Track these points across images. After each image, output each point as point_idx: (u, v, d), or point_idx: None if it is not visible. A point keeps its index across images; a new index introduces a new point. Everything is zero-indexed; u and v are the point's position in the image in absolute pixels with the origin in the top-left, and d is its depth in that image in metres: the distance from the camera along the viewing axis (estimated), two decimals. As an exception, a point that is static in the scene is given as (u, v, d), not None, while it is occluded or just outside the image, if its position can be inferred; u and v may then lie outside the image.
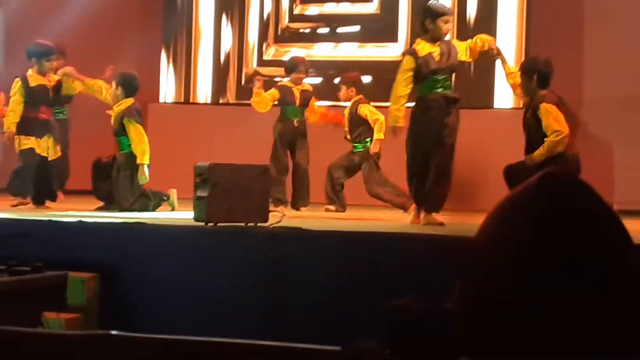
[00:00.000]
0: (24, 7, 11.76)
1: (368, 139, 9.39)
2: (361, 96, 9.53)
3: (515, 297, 1.18)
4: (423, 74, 7.52)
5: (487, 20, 10.96)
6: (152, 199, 8.64)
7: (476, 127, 9.70)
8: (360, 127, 9.41)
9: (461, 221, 7.59)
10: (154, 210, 8.60)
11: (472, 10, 11.15)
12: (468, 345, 1.25)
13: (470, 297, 1.22)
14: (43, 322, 4.79)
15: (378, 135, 9.26)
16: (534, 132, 7.55)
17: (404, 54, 7.81)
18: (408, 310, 1.20)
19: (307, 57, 10.43)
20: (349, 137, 9.50)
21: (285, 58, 10.92)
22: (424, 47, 7.57)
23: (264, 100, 9.43)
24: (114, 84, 8.77)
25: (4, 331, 1.56)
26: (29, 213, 8.02)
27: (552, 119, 7.42)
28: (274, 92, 9.53)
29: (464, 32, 10.31)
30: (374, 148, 9.29)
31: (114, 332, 1.35)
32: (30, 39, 10.78)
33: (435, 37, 7.60)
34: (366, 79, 11.00)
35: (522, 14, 10.78)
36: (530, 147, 7.58)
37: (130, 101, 8.72)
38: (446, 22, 7.62)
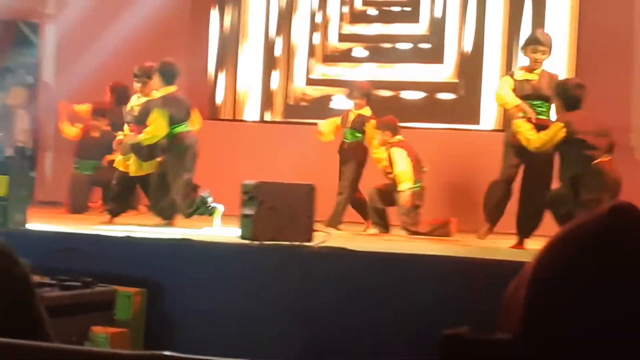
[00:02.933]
0: (76, 22, 11.90)
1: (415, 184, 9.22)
2: (398, 138, 9.37)
3: (580, 333, 1.17)
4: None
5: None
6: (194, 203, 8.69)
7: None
8: None
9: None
10: (193, 212, 8.65)
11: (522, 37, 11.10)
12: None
13: (533, 327, 1.21)
14: (90, 336, 4.84)
15: (400, 187, 9.13)
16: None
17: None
18: (463, 341, 1.20)
19: (353, 77, 10.41)
20: (391, 176, 9.33)
21: (334, 78, 10.95)
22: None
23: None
24: (153, 74, 8.79)
25: (55, 348, 1.57)
26: (78, 227, 8.09)
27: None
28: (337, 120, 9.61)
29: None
30: (404, 201, 9.18)
31: (166, 353, 1.36)
32: (81, 53, 10.94)
33: (530, 69, 8.08)
34: (411, 94, 11.01)
35: (573, 40, 10.71)
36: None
37: (170, 89, 8.75)
38: (535, 51, 8.03)
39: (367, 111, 9.55)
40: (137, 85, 9.05)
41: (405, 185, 9.06)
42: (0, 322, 1.95)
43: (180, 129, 8.74)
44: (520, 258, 5.63)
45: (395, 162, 9.18)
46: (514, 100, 7.88)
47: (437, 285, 5.91)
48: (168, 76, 8.71)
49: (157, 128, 8.60)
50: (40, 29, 12.80)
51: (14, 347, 1.47)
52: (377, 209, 9.27)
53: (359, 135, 9.51)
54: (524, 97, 7.89)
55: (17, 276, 2.04)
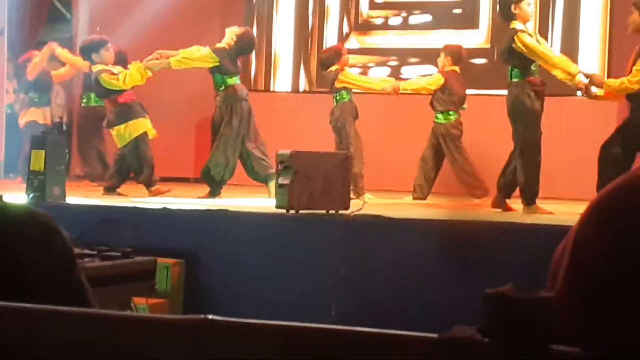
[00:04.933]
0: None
1: (444, 111, 9.29)
2: (453, 68, 9.37)
3: (623, 293, 1.17)
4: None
5: (570, 29, 10.83)
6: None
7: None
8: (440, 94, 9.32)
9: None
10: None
11: (557, 16, 10.99)
12: (565, 335, 1.25)
13: (577, 288, 1.21)
14: (132, 307, 4.88)
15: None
16: None
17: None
18: (507, 298, 1.20)
19: (386, 45, 10.38)
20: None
21: (366, 46, 10.92)
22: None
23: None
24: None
25: (99, 314, 1.59)
26: (116, 200, 8.16)
27: None
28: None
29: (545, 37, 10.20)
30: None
31: (212, 317, 1.38)
32: (114, 28, 10.97)
33: (524, 21, 7.74)
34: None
35: (605, 17, 10.59)
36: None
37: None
38: (529, 4, 7.77)
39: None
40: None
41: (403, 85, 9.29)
42: (44, 291, 1.98)
43: (233, 80, 8.77)
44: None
45: (426, 78, 9.44)
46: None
47: (477, 252, 5.90)
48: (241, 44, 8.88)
49: (192, 55, 8.66)
50: (73, 4, 12.85)
51: (61, 314, 1.49)
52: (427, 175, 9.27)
53: None
54: None
55: (59, 246, 2.07)
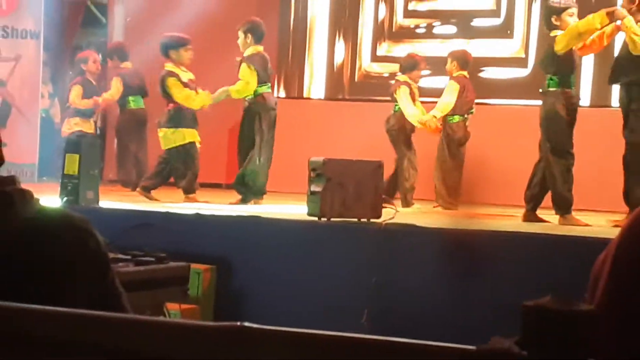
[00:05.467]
0: (142, 2, 12.00)
1: (450, 114, 9.34)
2: (461, 73, 9.42)
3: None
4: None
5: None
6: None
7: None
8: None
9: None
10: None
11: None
12: (605, 348, 1.23)
13: (618, 301, 1.20)
14: (165, 312, 4.90)
15: (433, 111, 9.26)
16: None
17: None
18: (546, 310, 1.19)
19: (420, 54, 10.35)
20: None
21: (399, 54, 10.89)
22: None
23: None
24: (241, 33, 8.81)
25: (133, 319, 1.59)
26: (149, 204, 8.18)
27: None
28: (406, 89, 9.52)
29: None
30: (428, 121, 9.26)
31: (247, 324, 1.37)
32: (148, 33, 11.03)
33: None
34: (479, 75, 10.90)
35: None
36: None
37: (259, 48, 8.79)
38: (571, 15, 7.60)
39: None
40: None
41: (438, 113, 9.21)
42: (78, 294, 1.98)
43: (263, 89, 8.78)
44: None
45: (444, 92, 9.38)
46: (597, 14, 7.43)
47: (510, 263, 5.86)
48: (257, 35, 8.78)
49: (248, 82, 8.65)
50: (109, 9, 12.94)
51: (95, 319, 1.49)
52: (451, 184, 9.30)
53: None
54: None
55: (94, 249, 2.07)
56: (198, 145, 9.02)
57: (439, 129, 9.31)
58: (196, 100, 8.86)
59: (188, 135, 8.95)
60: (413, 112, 9.30)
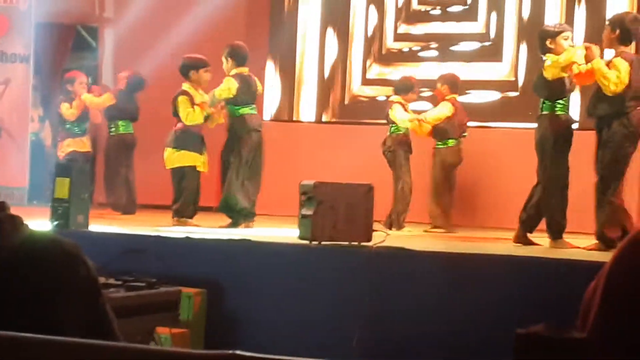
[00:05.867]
0: (133, 26, 12.01)
1: (445, 139, 9.43)
2: (453, 96, 9.53)
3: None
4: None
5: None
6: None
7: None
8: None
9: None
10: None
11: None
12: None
13: (610, 329, 1.19)
14: (155, 337, 4.88)
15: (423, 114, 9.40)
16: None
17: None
18: (538, 338, 1.19)
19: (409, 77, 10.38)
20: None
21: (389, 77, 10.94)
22: None
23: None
24: (223, 58, 8.83)
25: (126, 348, 1.58)
26: (139, 228, 8.16)
27: (622, 70, 7.18)
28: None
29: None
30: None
31: (240, 353, 1.37)
32: (139, 56, 11.05)
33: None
34: (469, 98, 10.92)
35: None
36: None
37: (243, 70, 8.82)
38: (566, 39, 7.62)
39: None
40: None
41: (426, 117, 9.36)
42: (69, 321, 1.97)
43: (245, 110, 8.78)
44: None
45: (436, 109, 9.53)
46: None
47: (501, 286, 5.85)
48: (239, 58, 8.81)
49: (230, 87, 8.68)
50: (99, 33, 12.95)
51: (87, 347, 1.48)
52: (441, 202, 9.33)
53: None
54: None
55: (85, 276, 2.07)
56: (201, 169, 8.99)
57: (430, 132, 9.37)
58: (192, 115, 8.85)
59: (190, 158, 8.94)
60: (403, 117, 9.39)
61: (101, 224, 8.02)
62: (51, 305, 1.97)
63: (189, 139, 8.91)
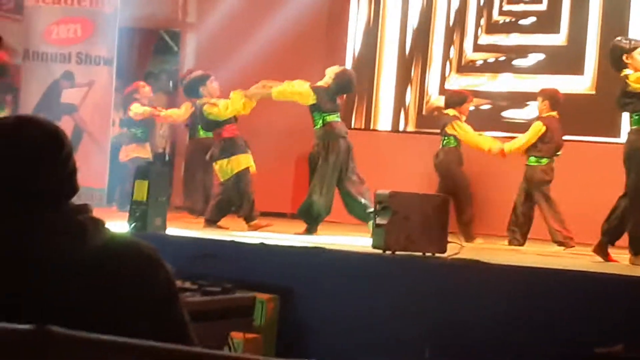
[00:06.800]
0: (215, 31, 12.13)
1: (538, 156, 9.14)
2: (551, 114, 9.20)
3: None
4: None
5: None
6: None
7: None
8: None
9: None
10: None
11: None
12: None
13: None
14: (229, 342, 4.91)
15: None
16: None
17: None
18: (619, 359, 1.18)
19: (488, 88, 10.32)
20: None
21: (473, 88, 10.88)
22: None
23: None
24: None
25: (199, 355, 1.60)
26: (216, 233, 8.23)
27: None
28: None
29: None
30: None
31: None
32: (220, 61, 11.15)
33: (636, 70, 7.47)
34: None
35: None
36: None
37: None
38: None
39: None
40: None
41: (507, 147, 9.16)
42: (147, 325, 2.00)
43: (332, 117, 8.82)
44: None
45: (528, 131, 9.19)
46: None
47: (577, 302, 5.77)
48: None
49: (293, 86, 8.81)
50: (181, 37, 13.11)
51: (164, 352, 1.50)
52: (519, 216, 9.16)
53: None
54: None
55: (164, 280, 2.09)
56: (252, 170, 9.06)
57: (504, 155, 9.26)
58: (234, 103, 8.95)
59: (243, 161, 9.02)
60: (479, 140, 9.29)
61: (178, 228, 8.10)
62: (131, 308, 2.00)
63: (235, 145, 9.01)
